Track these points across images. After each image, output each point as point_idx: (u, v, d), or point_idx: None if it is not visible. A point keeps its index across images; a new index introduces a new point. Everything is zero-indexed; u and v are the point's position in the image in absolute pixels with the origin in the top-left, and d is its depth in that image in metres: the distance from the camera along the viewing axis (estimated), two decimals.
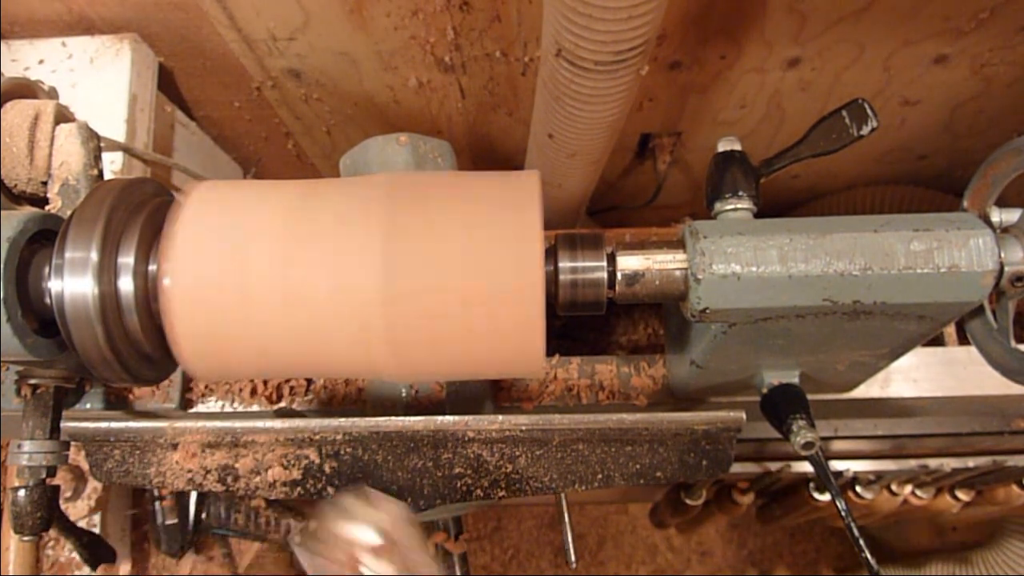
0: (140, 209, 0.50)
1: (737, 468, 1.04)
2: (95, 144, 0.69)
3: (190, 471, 0.58)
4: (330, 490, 0.58)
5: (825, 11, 0.98)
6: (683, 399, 0.75)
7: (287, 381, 0.76)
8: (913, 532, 1.87)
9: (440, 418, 0.57)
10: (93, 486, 0.87)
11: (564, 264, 0.53)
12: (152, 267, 0.49)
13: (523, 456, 0.59)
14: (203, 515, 0.94)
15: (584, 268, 0.53)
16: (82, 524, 0.85)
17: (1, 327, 0.48)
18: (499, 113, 1.23)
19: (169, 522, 0.90)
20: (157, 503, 0.95)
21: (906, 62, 1.11)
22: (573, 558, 0.64)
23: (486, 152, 1.37)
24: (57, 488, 0.63)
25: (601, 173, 1.11)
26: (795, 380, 0.65)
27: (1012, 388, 0.60)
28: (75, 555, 0.81)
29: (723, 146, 0.63)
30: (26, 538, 0.62)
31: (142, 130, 0.99)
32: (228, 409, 0.75)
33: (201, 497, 0.93)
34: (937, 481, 1.11)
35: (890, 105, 1.24)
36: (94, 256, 0.47)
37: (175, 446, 0.58)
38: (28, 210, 0.63)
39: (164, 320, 0.48)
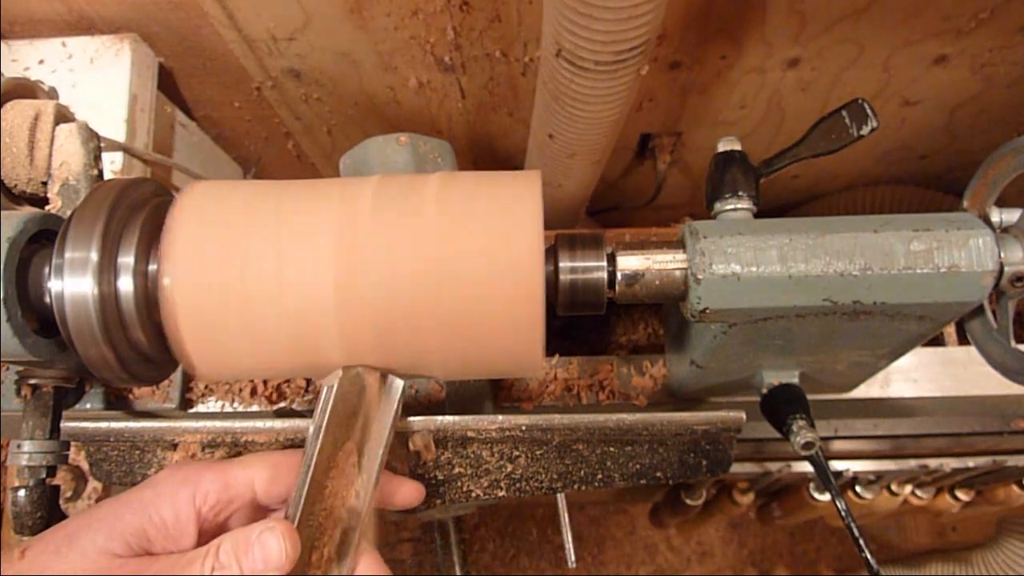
0: (140, 209, 0.50)
1: (737, 468, 1.04)
2: (95, 144, 0.69)
3: None
4: None
5: (825, 11, 0.98)
6: (683, 399, 0.75)
7: (287, 381, 0.76)
8: (913, 532, 1.87)
9: (440, 418, 0.57)
10: (93, 486, 0.87)
11: (564, 264, 0.53)
12: (152, 267, 0.49)
13: (523, 456, 0.59)
14: None
15: (584, 268, 0.53)
16: None
17: (1, 327, 0.48)
18: (499, 113, 1.23)
19: None
20: None
21: (906, 62, 1.11)
22: (573, 558, 0.64)
23: (486, 152, 1.37)
24: (57, 488, 0.63)
25: (601, 173, 1.11)
26: (795, 380, 0.65)
27: (1012, 388, 0.60)
28: None
29: (723, 146, 0.63)
30: (26, 538, 0.62)
31: (142, 130, 0.99)
32: (228, 409, 0.75)
33: None
34: (937, 481, 1.11)
35: (890, 105, 1.24)
36: (94, 256, 0.47)
37: (175, 446, 0.58)
38: (28, 210, 0.63)
39: (164, 320, 0.48)
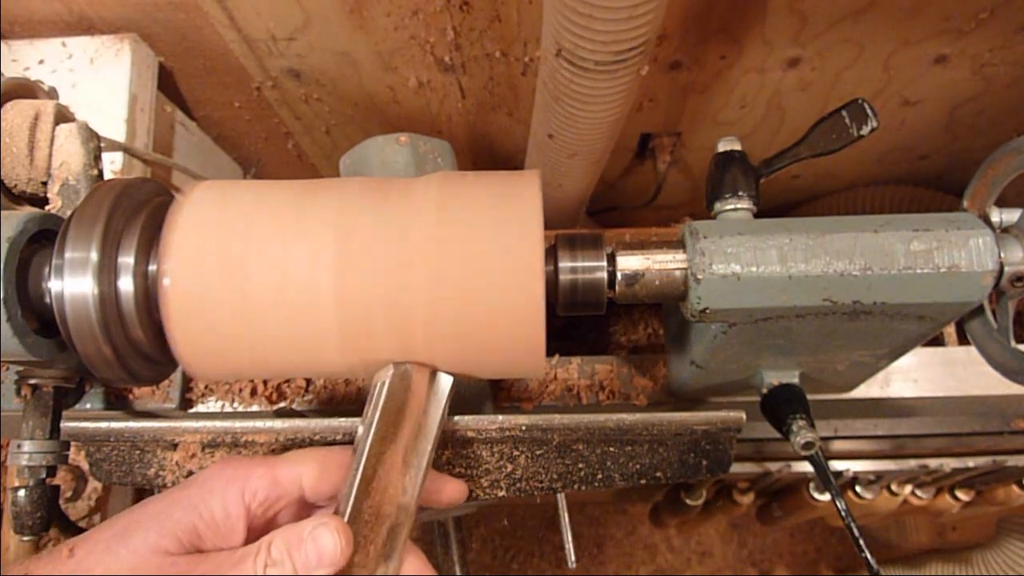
0: (140, 209, 0.50)
1: (737, 468, 1.04)
2: (95, 144, 0.69)
3: (190, 471, 0.58)
4: None
5: (825, 11, 0.98)
6: (683, 399, 0.75)
7: (287, 381, 0.76)
8: (913, 532, 1.87)
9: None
10: (93, 486, 0.87)
11: (564, 264, 0.53)
12: (152, 267, 0.49)
13: (523, 456, 0.59)
14: None
15: (584, 268, 0.53)
16: (82, 524, 0.85)
17: (1, 327, 0.48)
18: (499, 113, 1.23)
19: None
20: None
21: (906, 62, 1.11)
22: (573, 558, 0.64)
23: (486, 152, 1.37)
24: (57, 488, 0.63)
25: (601, 173, 1.11)
26: (795, 380, 0.64)
27: (1012, 388, 0.60)
28: None
29: (723, 146, 0.63)
30: (26, 538, 0.62)
31: (142, 130, 1.00)
32: (228, 409, 0.75)
33: None
34: (937, 481, 1.11)
35: (890, 105, 1.24)
36: (94, 256, 0.47)
37: (175, 446, 0.58)
38: (28, 210, 0.63)
39: (164, 320, 0.48)
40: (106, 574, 0.43)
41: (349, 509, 0.46)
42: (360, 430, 0.49)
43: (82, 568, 0.44)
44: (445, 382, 0.51)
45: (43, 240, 0.52)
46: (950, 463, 0.99)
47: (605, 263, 0.53)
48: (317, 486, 0.49)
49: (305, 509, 0.51)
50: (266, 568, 0.44)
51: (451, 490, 0.55)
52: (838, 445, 0.92)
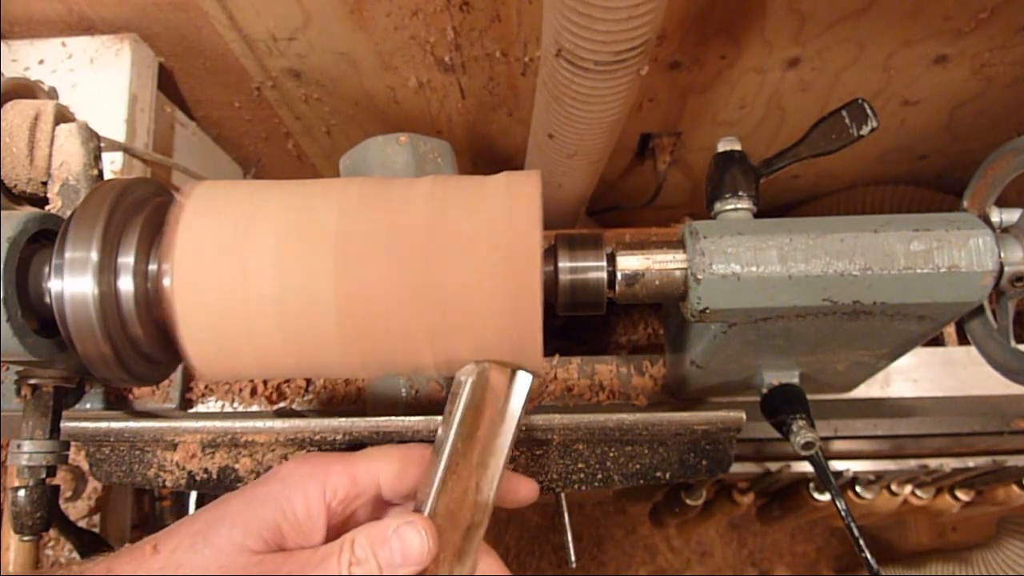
0: (140, 209, 0.50)
1: (737, 468, 1.04)
2: (95, 144, 0.69)
3: (190, 472, 0.58)
4: None
5: (825, 11, 0.98)
6: (683, 399, 0.75)
7: (287, 381, 0.76)
8: (913, 532, 1.87)
9: (440, 418, 0.57)
10: (93, 486, 0.87)
11: (563, 264, 0.53)
12: (152, 267, 0.49)
13: (523, 456, 0.59)
14: None
15: (584, 268, 0.53)
16: (82, 524, 0.85)
17: (1, 327, 0.48)
18: (499, 113, 1.23)
19: (169, 523, 0.90)
20: (157, 503, 0.95)
21: (906, 62, 1.11)
22: (573, 558, 0.64)
23: (486, 152, 1.37)
24: (57, 488, 0.63)
25: (601, 173, 1.11)
26: (795, 380, 0.65)
27: (1012, 388, 0.60)
28: (75, 555, 0.81)
29: (723, 146, 0.63)
30: (26, 538, 0.62)
31: (142, 130, 1.00)
32: (228, 409, 0.75)
33: (201, 498, 0.93)
34: (937, 481, 1.11)
35: (890, 105, 1.24)
36: (94, 256, 0.47)
37: (175, 446, 0.58)
38: (28, 210, 0.63)
39: (164, 320, 0.48)
40: (192, 574, 0.42)
41: (429, 507, 0.45)
42: (441, 429, 0.48)
43: (168, 567, 0.43)
44: (524, 380, 0.50)
45: (43, 240, 0.52)
46: (950, 463, 1.00)
47: (605, 263, 0.53)
48: (396, 484, 0.49)
49: (380, 507, 0.51)
50: (350, 567, 0.43)
51: (526, 489, 0.54)
52: (838, 445, 0.92)
